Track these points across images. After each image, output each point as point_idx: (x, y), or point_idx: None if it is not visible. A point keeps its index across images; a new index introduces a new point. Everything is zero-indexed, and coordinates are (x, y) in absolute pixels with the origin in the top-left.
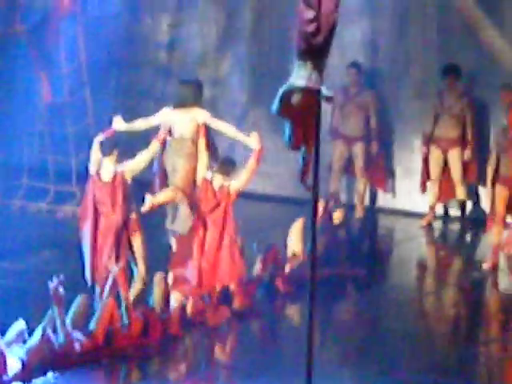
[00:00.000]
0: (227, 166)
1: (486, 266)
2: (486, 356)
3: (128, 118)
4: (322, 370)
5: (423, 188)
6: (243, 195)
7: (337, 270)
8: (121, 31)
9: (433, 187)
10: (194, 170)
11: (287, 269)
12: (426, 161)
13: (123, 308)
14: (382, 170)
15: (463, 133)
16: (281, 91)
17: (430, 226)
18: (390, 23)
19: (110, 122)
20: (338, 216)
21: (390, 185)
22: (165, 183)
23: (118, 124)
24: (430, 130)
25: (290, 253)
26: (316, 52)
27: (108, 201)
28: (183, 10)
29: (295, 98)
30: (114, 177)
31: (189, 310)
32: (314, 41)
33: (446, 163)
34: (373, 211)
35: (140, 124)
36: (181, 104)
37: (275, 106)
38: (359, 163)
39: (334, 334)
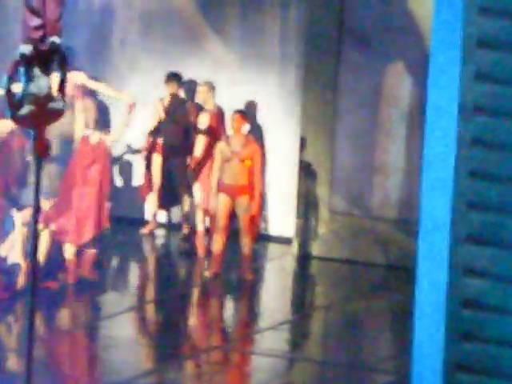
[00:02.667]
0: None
1: (207, 273)
2: (207, 363)
3: None
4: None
5: (143, 196)
6: None
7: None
8: None
9: (154, 195)
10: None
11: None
12: (148, 169)
13: None
14: None
15: (189, 140)
16: (8, 98)
17: (152, 234)
18: (111, 30)
19: None
20: None
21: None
22: None
23: None
24: (154, 137)
25: (10, 261)
26: (43, 58)
27: None
28: None
29: (27, 109)
30: None
31: None
32: (41, 47)
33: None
34: None
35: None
36: None
37: (8, 113)
38: None
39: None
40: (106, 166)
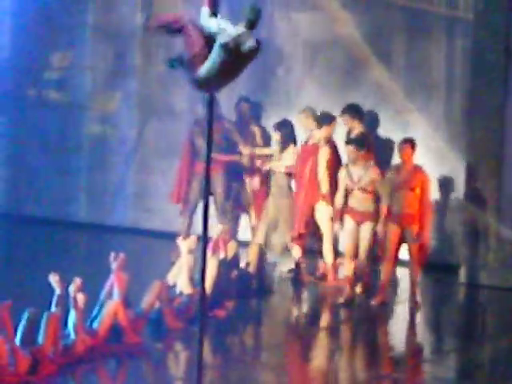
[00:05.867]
0: None
1: (374, 301)
2: None
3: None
4: None
5: None
6: (130, 230)
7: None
8: (8, 66)
9: None
10: None
11: (175, 305)
12: None
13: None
14: None
15: None
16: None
17: None
18: (277, 59)
19: None
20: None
21: None
22: None
23: None
24: None
25: (178, 289)
26: None
27: None
28: (73, 48)
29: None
30: None
31: (79, 347)
32: None
33: None
34: None
35: None
36: None
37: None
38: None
39: (225, 369)
40: None
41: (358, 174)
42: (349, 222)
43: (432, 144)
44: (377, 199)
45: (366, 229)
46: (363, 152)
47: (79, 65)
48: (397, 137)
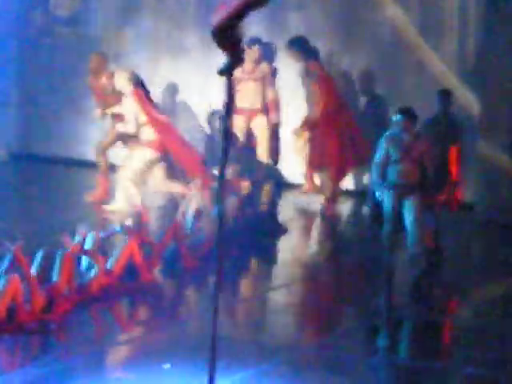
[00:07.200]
0: None
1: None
2: None
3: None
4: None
5: None
6: None
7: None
8: (19, 4)
9: None
10: None
11: (189, 243)
12: None
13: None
14: None
15: None
16: None
17: None
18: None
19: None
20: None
21: None
22: None
23: None
24: None
25: (189, 227)
26: None
27: None
28: None
29: None
30: None
31: (94, 285)
32: None
33: None
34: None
35: None
36: None
37: None
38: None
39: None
40: None
41: None
42: None
43: (445, 83)
44: None
45: None
46: None
47: (90, 1)
48: (411, 77)
